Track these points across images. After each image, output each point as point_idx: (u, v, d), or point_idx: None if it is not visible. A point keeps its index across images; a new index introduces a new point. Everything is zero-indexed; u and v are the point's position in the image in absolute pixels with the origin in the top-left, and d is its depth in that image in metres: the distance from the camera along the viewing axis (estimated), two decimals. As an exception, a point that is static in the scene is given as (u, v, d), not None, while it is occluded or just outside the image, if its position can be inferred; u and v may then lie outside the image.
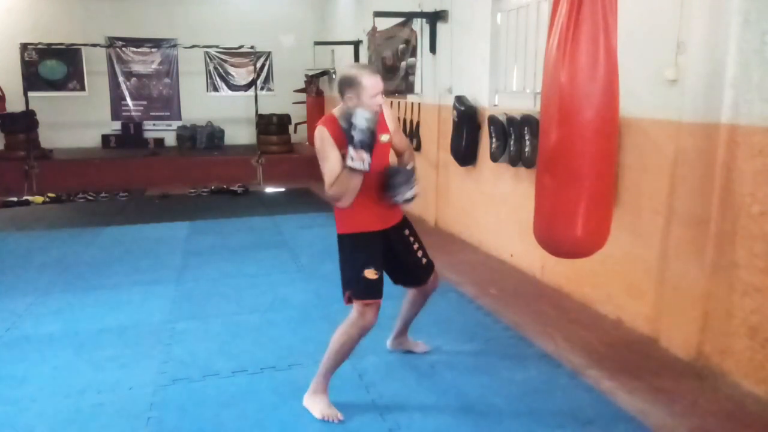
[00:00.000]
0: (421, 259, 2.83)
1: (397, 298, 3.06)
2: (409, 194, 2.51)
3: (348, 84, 2.42)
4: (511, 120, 4.51)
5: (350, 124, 2.30)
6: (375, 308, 2.55)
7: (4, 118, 9.80)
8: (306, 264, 4.95)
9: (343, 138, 2.34)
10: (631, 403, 2.69)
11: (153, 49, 11.46)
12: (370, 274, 2.53)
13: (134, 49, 11.42)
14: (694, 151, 2.97)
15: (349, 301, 2.59)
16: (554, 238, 2.77)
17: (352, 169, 2.32)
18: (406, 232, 2.78)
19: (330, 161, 2.39)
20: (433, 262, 2.90)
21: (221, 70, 12.09)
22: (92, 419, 2.58)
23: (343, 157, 2.34)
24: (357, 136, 2.28)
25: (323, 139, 2.42)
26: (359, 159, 2.30)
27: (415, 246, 2.81)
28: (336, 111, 2.50)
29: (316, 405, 2.60)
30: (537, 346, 3.30)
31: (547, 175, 2.72)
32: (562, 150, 2.60)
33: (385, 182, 2.51)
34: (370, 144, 2.31)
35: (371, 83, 2.41)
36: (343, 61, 10.21)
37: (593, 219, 2.65)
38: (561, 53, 2.51)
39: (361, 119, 2.28)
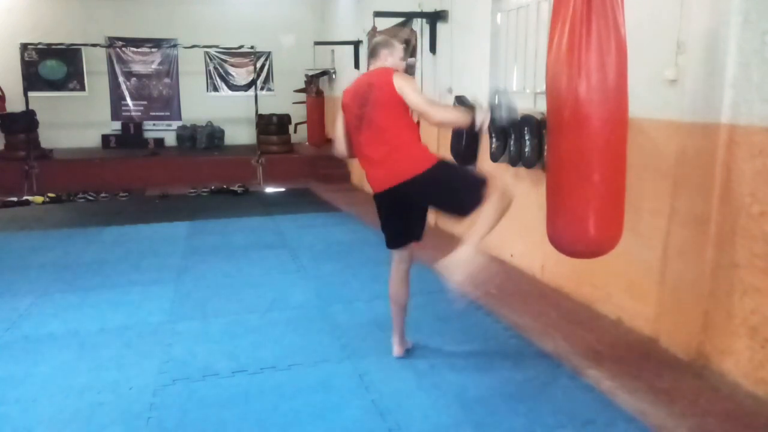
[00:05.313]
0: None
1: (385, 297, 3.18)
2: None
3: (384, 45, 2.98)
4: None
5: (500, 99, 2.67)
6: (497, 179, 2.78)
7: (4, 118, 9.80)
8: (306, 264, 4.95)
9: None
10: (631, 403, 2.69)
11: (153, 49, 11.46)
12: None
13: (134, 49, 11.42)
14: (694, 151, 2.97)
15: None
16: (567, 238, 2.75)
17: (469, 121, 2.63)
18: None
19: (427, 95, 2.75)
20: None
21: (221, 70, 12.09)
22: (92, 419, 2.58)
23: None
24: (504, 115, 2.64)
25: (411, 79, 2.87)
26: (480, 123, 2.61)
27: None
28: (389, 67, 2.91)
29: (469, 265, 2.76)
30: (537, 346, 3.30)
31: (558, 175, 2.71)
32: (575, 149, 2.58)
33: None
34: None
35: (401, 47, 3.07)
36: (342, 61, 10.21)
37: (606, 218, 2.64)
38: (572, 52, 2.49)
39: (514, 109, 2.67)
